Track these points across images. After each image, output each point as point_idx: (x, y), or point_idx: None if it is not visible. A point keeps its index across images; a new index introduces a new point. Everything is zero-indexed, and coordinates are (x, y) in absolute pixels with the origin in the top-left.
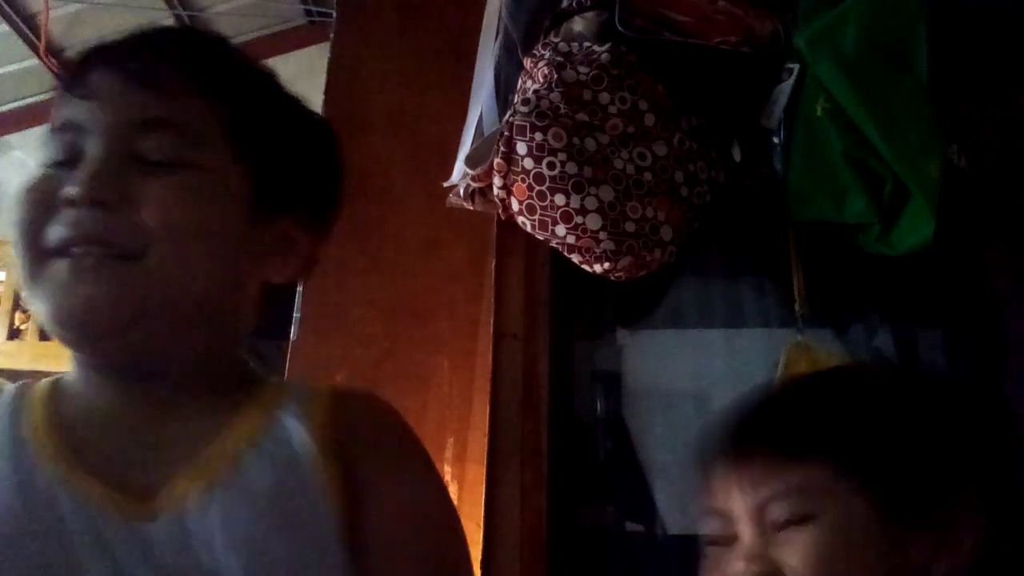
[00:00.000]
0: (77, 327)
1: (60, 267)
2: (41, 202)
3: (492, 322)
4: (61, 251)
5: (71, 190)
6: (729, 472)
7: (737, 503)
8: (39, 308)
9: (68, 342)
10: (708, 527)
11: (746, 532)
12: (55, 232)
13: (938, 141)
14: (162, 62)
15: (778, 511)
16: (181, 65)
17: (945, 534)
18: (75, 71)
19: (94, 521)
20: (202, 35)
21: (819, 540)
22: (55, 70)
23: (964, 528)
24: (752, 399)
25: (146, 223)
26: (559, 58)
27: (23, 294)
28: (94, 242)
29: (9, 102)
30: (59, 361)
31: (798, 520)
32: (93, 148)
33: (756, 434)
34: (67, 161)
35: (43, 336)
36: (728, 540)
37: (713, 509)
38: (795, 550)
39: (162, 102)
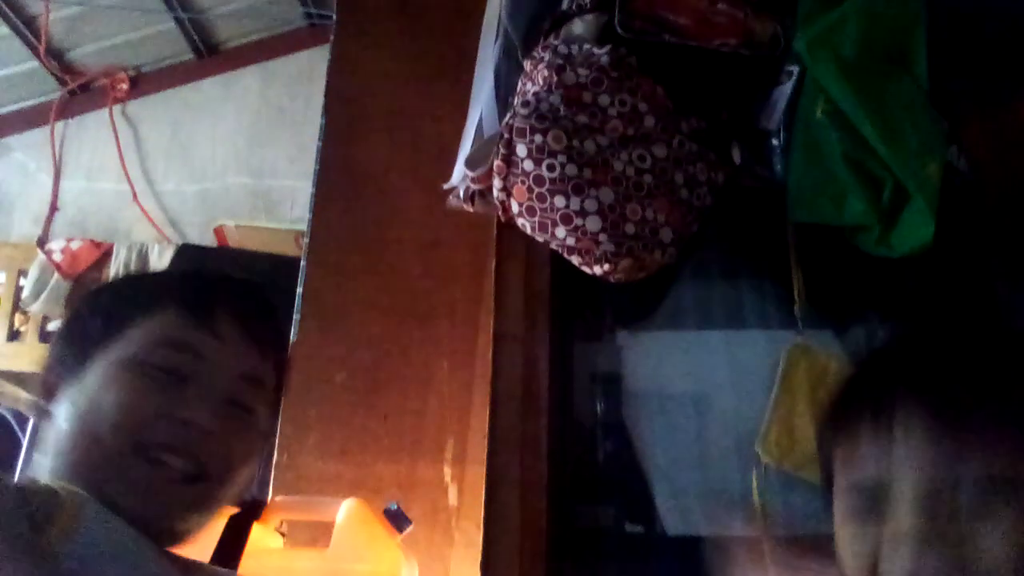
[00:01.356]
0: (146, 529)
1: (144, 469)
2: (152, 404)
3: (492, 323)
4: (152, 451)
5: (194, 415)
6: (931, 422)
7: (906, 474)
8: (119, 497)
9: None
10: (854, 495)
11: (914, 491)
12: (158, 434)
13: (937, 143)
14: (266, 325)
15: (973, 478)
16: (273, 331)
17: None
18: (203, 303)
19: None
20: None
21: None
22: (55, 72)
23: None
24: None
25: (222, 451)
26: (559, 60)
27: (29, 307)
28: (186, 457)
29: (9, 104)
30: None
31: (994, 492)
32: (219, 379)
33: (976, 395)
34: (177, 375)
35: (43, 338)
36: (880, 514)
37: (868, 475)
38: (998, 534)
39: (263, 362)
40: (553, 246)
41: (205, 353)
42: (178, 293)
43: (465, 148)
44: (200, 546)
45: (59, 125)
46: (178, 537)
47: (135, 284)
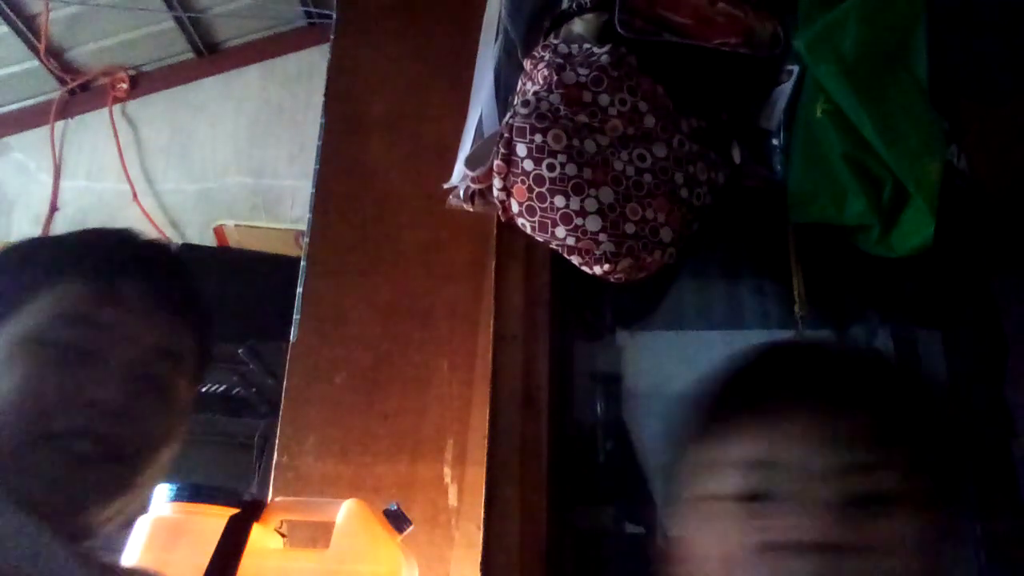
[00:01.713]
0: (59, 521)
1: (50, 457)
2: (54, 384)
3: (492, 323)
4: (57, 436)
5: (100, 394)
6: (814, 419)
7: (813, 456)
8: (25, 488)
9: None
10: (738, 477)
11: (820, 492)
12: (62, 417)
13: (938, 142)
14: (178, 291)
15: (871, 483)
16: (186, 298)
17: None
18: (104, 270)
19: None
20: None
21: (909, 530)
22: (55, 72)
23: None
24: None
25: (136, 431)
26: (559, 60)
27: None
28: (95, 440)
29: (9, 103)
30: None
31: (886, 500)
32: (126, 353)
33: (854, 388)
34: (79, 351)
35: None
36: (769, 495)
37: (759, 460)
38: (885, 533)
39: (178, 332)
40: (553, 246)
41: (108, 325)
42: (76, 261)
43: (465, 148)
44: (200, 546)
45: (59, 125)
46: (96, 527)
47: (30, 253)
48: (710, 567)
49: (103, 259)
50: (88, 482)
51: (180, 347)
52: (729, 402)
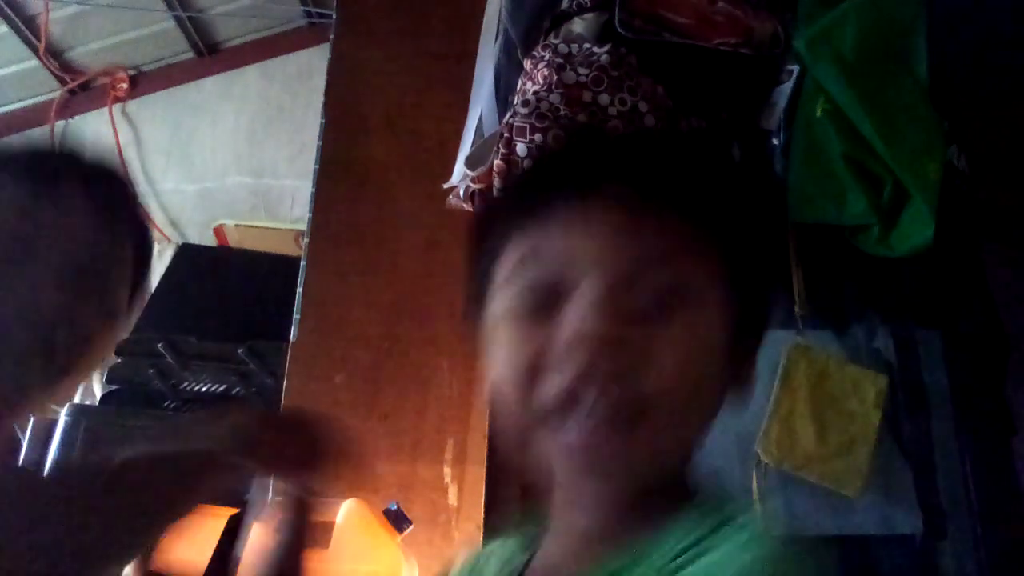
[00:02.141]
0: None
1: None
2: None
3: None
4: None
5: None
6: (587, 206)
7: (591, 247)
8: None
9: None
10: (523, 278)
11: (599, 288)
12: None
13: (938, 142)
14: (118, 202)
15: (661, 277)
16: (126, 207)
17: (747, 365)
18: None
19: None
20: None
21: (698, 321)
22: (55, 71)
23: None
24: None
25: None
26: (559, 59)
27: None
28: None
29: (9, 103)
30: None
31: (675, 290)
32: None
33: (636, 169)
34: (20, 244)
35: None
36: (557, 292)
37: (540, 252)
38: (672, 337)
39: (116, 238)
40: None
41: (47, 222)
42: (21, 163)
43: (465, 148)
44: (200, 546)
45: (59, 125)
46: (24, 410)
47: None
48: (498, 388)
49: (48, 165)
50: (20, 372)
51: (118, 253)
52: (509, 211)
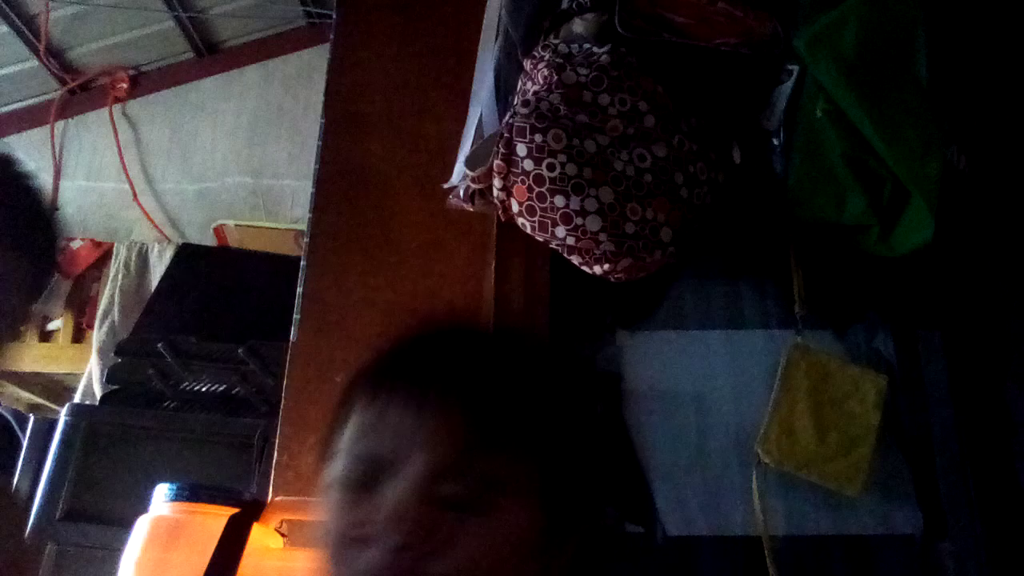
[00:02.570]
0: None
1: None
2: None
3: (492, 323)
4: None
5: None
6: (406, 413)
7: (416, 436)
8: None
9: None
10: (349, 465)
11: (400, 488)
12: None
13: (938, 142)
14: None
15: (456, 487)
16: (25, 197)
17: (568, 546)
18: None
19: None
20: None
21: (491, 532)
22: (55, 71)
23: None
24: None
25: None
26: (559, 59)
27: None
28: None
29: (9, 103)
30: (58, 363)
31: (473, 507)
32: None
33: (463, 380)
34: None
35: (43, 338)
36: (379, 470)
37: (377, 428)
38: (462, 540)
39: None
40: (553, 246)
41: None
42: None
43: (465, 148)
44: (200, 546)
45: (59, 125)
46: None
47: None
48: (322, 546)
49: None
50: None
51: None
52: (362, 384)
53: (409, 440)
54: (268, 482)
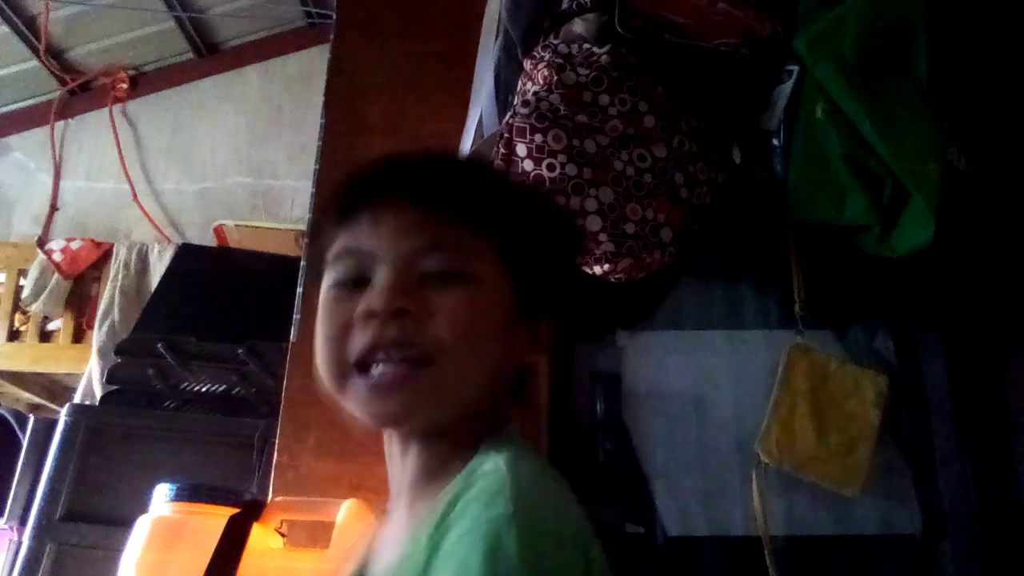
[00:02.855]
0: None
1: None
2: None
3: None
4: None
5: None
6: (380, 212)
7: (383, 243)
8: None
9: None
10: (339, 268)
11: (388, 273)
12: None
13: (937, 142)
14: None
15: (435, 261)
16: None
17: (537, 333)
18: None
19: None
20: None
21: (475, 299)
22: (55, 72)
23: (546, 328)
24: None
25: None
26: (559, 60)
27: (29, 307)
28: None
29: (9, 103)
30: (58, 363)
31: (455, 275)
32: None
33: (414, 182)
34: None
35: (43, 338)
36: (360, 281)
37: (349, 248)
38: (449, 302)
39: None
40: None
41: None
42: None
43: (465, 148)
44: (200, 546)
45: (59, 125)
46: None
47: None
48: (319, 345)
49: None
50: None
51: None
52: (344, 202)
53: (376, 251)
54: (268, 482)
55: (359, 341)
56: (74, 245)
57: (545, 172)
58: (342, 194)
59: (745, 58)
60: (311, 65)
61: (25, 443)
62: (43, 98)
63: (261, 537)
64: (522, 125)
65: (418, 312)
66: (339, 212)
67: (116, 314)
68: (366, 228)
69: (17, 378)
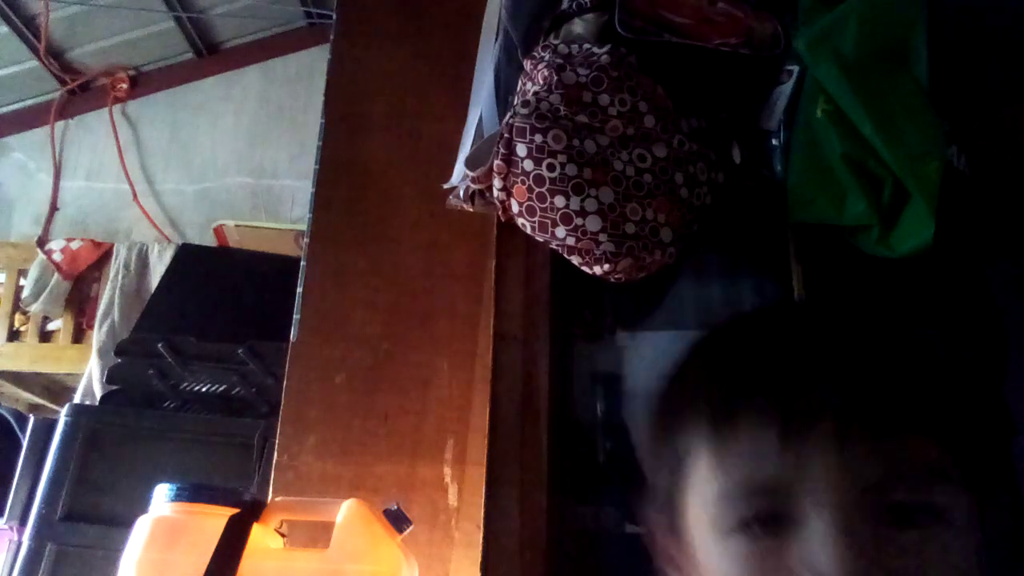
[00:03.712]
0: None
1: None
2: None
3: (492, 323)
4: None
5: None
6: (818, 428)
7: (824, 474)
8: None
9: None
10: (741, 506)
11: (837, 518)
12: None
13: (938, 142)
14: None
15: (897, 496)
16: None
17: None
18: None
19: None
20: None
21: (959, 546)
22: (55, 72)
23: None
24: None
25: None
26: (559, 60)
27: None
28: None
29: (9, 103)
30: (58, 363)
31: (927, 512)
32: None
33: (853, 390)
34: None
35: (43, 338)
36: (779, 526)
37: (768, 481)
38: (921, 553)
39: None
40: (553, 246)
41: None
42: None
43: (465, 148)
44: (200, 546)
45: (59, 125)
46: None
47: None
48: None
49: None
50: None
51: None
52: (717, 403)
53: (801, 477)
54: (268, 482)
55: None
56: (74, 245)
57: (545, 172)
58: (735, 384)
59: (745, 58)
60: (311, 65)
61: (25, 443)
62: (43, 98)
63: (261, 537)
64: (522, 125)
65: (888, 572)
66: (728, 410)
67: (116, 314)
68: (791, 451)
69: (17, 378)
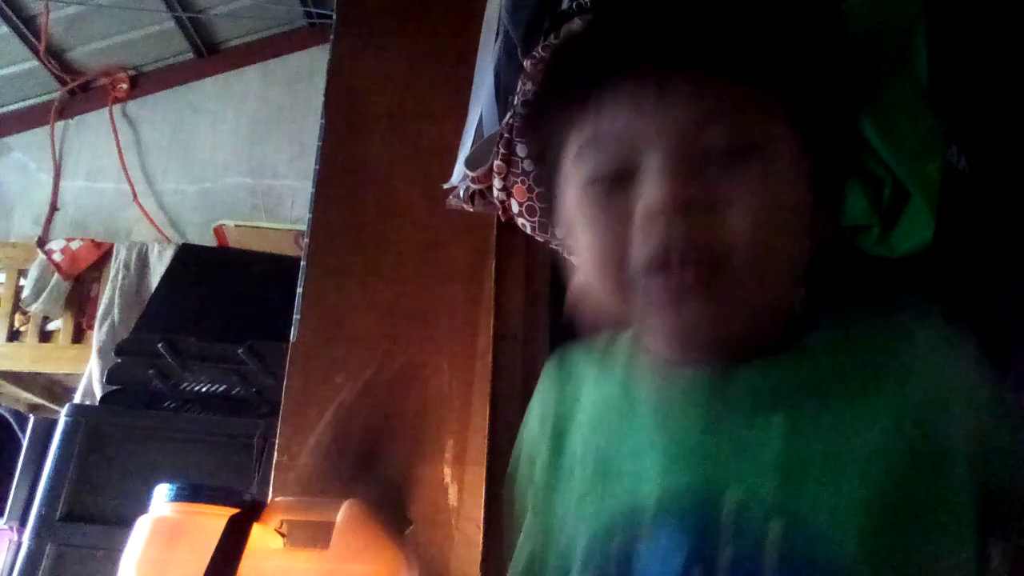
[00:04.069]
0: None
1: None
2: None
3: (492, 323)
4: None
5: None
6: (637, 82)
7: (649, 121)
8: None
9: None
10: (591, 159)
11: (663, 160)
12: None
13: (938, 142)
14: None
15: (718, 134)
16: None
17: (834, 198)
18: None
19: None
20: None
21: (772, 177)
22: (55, 72)
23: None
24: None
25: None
26: None
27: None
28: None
29: (9, 103)
30: (58, 363)
31: (743, 148)
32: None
33: (671, 36)
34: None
35: (43, 338)
36: (626, 173)
37: (603, 133)
38: (742, 184)
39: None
40: (553, 246)
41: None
42: None
43: (465, 148)
44: (200, 546)
45: (59, 125)
46: None
47: None
48: (590, 256)
49: None
50: None
51: None
52: (577, 76)
53: (639, 134)
54: (268, 482)
55: (643, 246)
56: (74, 245)
57: None
58: (569, 66)
59: None
60: (311, 65)
61: (25, 443)
62: (43, 98)
63: (261, 537)
64: (522, 125)
65: (709, 202)
66: (570, 90)
67: (116, 314)
68: (622, 105)
69: (17, 378)
